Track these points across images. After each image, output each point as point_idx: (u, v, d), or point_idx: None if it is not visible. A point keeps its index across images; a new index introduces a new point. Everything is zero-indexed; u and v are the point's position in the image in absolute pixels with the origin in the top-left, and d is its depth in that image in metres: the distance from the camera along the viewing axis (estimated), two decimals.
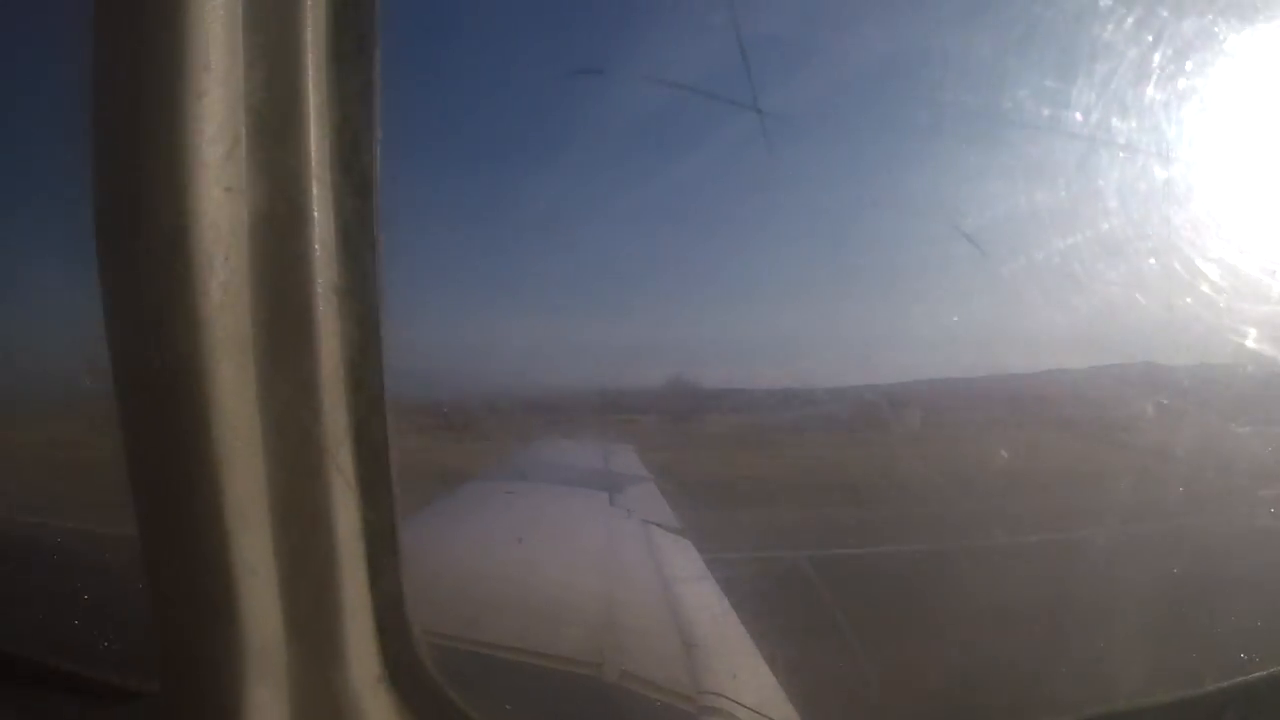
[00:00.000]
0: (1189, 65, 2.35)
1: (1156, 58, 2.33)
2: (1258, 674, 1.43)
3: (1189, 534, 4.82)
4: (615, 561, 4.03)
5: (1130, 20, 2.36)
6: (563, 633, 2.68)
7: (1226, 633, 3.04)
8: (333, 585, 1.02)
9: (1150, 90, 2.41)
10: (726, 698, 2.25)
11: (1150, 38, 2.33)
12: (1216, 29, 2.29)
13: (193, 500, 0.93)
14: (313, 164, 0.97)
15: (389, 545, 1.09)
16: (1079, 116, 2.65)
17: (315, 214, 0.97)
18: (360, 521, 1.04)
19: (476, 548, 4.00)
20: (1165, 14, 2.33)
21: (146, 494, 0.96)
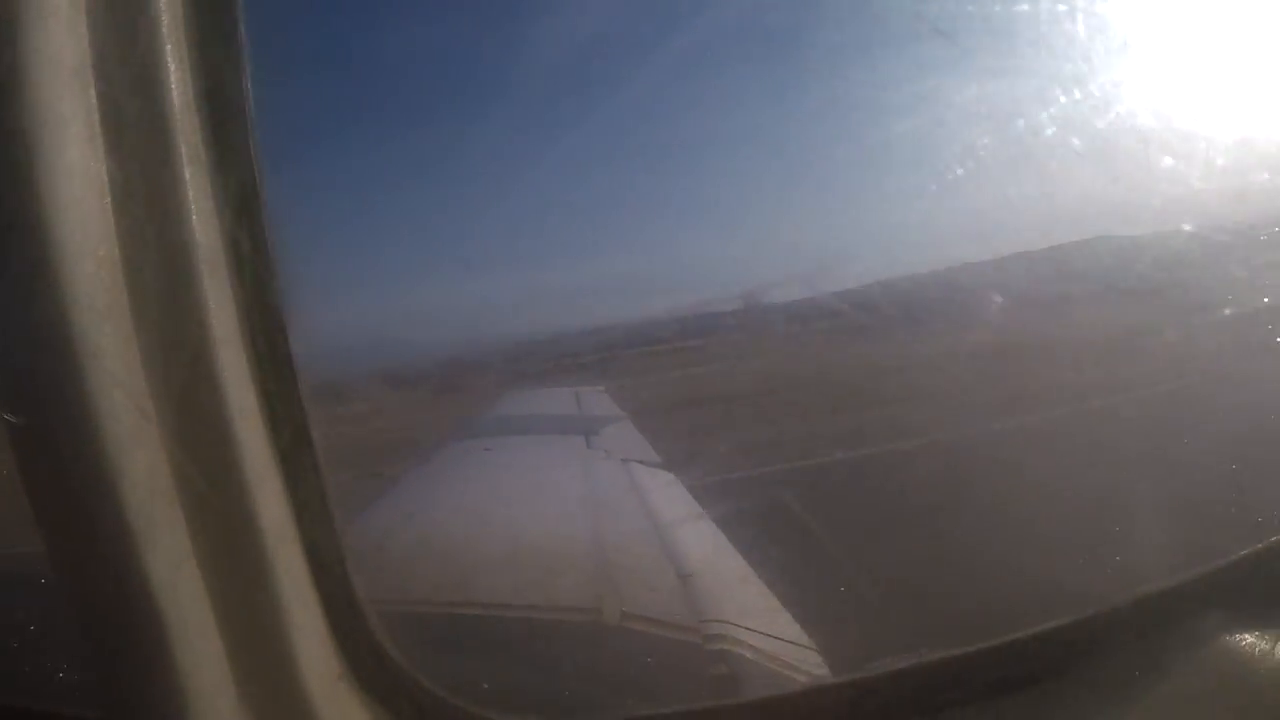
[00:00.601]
0: None
1: None
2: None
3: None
4: (600, 503, 4.01)
5: None
6: (556, 582, 2.66)
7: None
8: (266, 580, 0.92)
9: None
10: (730, 623, 2.25)
11: None
12: None
13: (86, 510, 0.83)
14: (182, 154, 0.86)
15: (323, 522, 0.99)
16: None
17: (194, 217, 0.87)
18: (288, 502, 0.94)
19: (459, 509, 3.96)
20: None
21: (41, 503, 0.85)
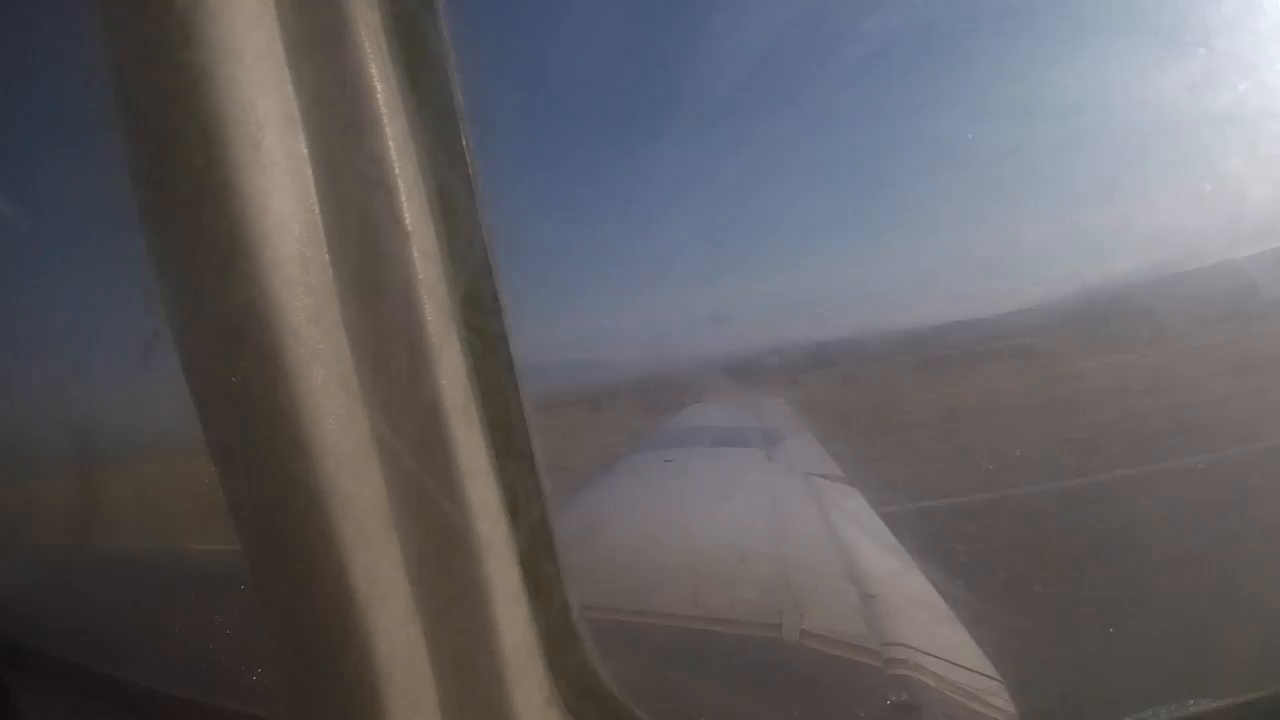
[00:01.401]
0: None
1: None
2: None
3: None
4: (782, 517, 3.98)
5: None
6: (737, 596, 2.67)
7: None
8: (478, 594, 0.89)
9: None
10: (911, 647, 2.19)
11: None
12: None
13: (303, 553, 0.82)
14: (391, 149, 0.86)
15: (541, 537, 0.97)
16: None
17: (404, 201, 0.86)
18: (517, 563, 0.94)
19: (641, 519, 4.05)
20: None
21: (256, 548, 0.86)
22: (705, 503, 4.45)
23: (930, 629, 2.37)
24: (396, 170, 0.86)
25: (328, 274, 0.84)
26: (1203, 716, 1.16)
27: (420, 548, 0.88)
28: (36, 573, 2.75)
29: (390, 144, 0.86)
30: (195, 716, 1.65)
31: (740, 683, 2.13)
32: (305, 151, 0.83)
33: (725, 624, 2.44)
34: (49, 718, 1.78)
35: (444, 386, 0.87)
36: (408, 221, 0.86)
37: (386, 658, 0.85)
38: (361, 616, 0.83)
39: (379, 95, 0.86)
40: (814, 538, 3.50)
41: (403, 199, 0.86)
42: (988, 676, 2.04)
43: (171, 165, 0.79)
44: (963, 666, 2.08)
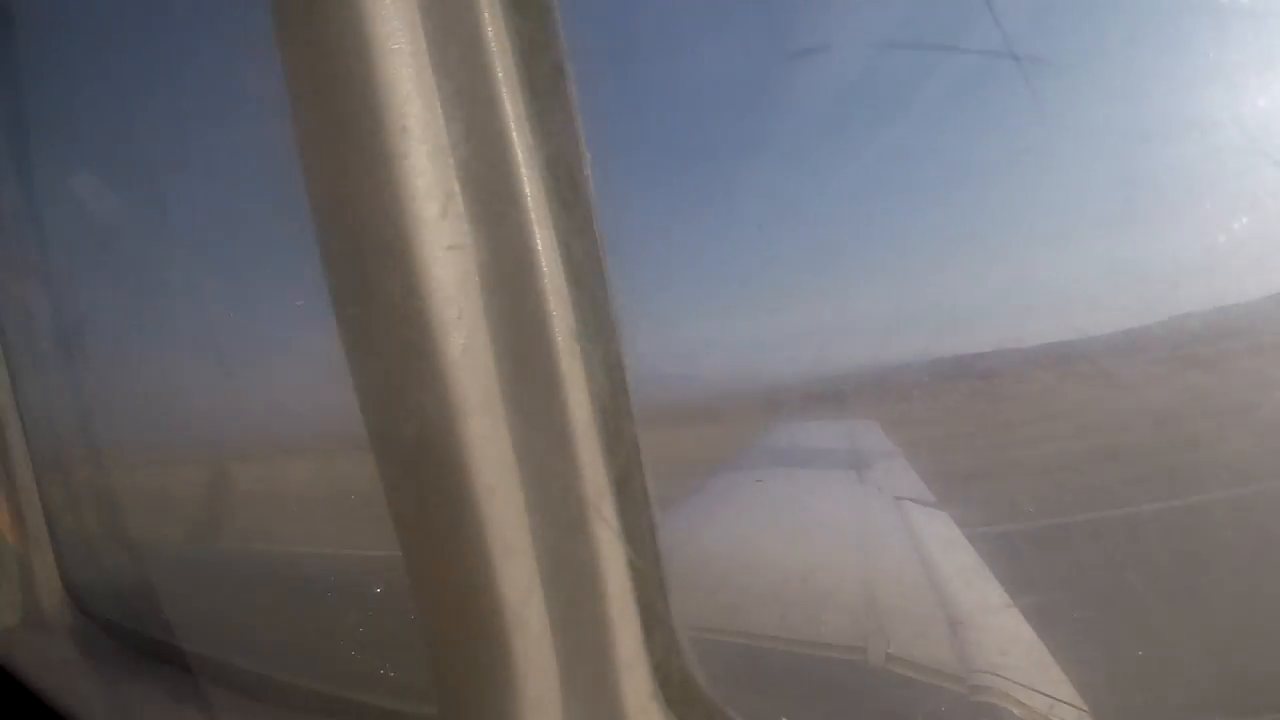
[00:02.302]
0: None
1: None
2: None
3: None
4: (871, 540, 3.97)
5: None
6: (823, 618, 2.70)
7: None
8: (605, 638, 1.01)
9: None
10: (999, 675, 2.18)
11: None
12: None
13: (460, 559, 0.94)
14: (530, 209, 0.95)
15: (659, 591, 1.08)
16: None
17: (542, 259, 0.96)
18: (628, 570, 1.03)
19: (732, 538, 4.10)
20: None
21: (414, 554, 0.98)
22: (795, 524, 4.46)
23: (1018, 658, 2.35)
24: (524, 177, 0.95)
25: (472, 278, 0.94)
26: None
27: (551, 557, 0.99)
28: (176, 570, 2.94)
29: (528, 200, 0.96)
30: (336, 708, 1.77)
31: (824, 705, 2.16)
32: (460, 214, 0.94)
33: (811, 645, 2.47)
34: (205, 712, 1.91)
35: (571, 407, 0.98)
36: (537, 239, 0.96)
37: (523, 652, 0.96)
38: (506, 617, 0.95)
39: (506, 104, 0.95)
40: (902, 562, 3.48)
41: (531, 215, 0.96)
42: (1075, 707, 2.03)
43: (351, 244, 0.91)
44: (1050, 697, 2.07)
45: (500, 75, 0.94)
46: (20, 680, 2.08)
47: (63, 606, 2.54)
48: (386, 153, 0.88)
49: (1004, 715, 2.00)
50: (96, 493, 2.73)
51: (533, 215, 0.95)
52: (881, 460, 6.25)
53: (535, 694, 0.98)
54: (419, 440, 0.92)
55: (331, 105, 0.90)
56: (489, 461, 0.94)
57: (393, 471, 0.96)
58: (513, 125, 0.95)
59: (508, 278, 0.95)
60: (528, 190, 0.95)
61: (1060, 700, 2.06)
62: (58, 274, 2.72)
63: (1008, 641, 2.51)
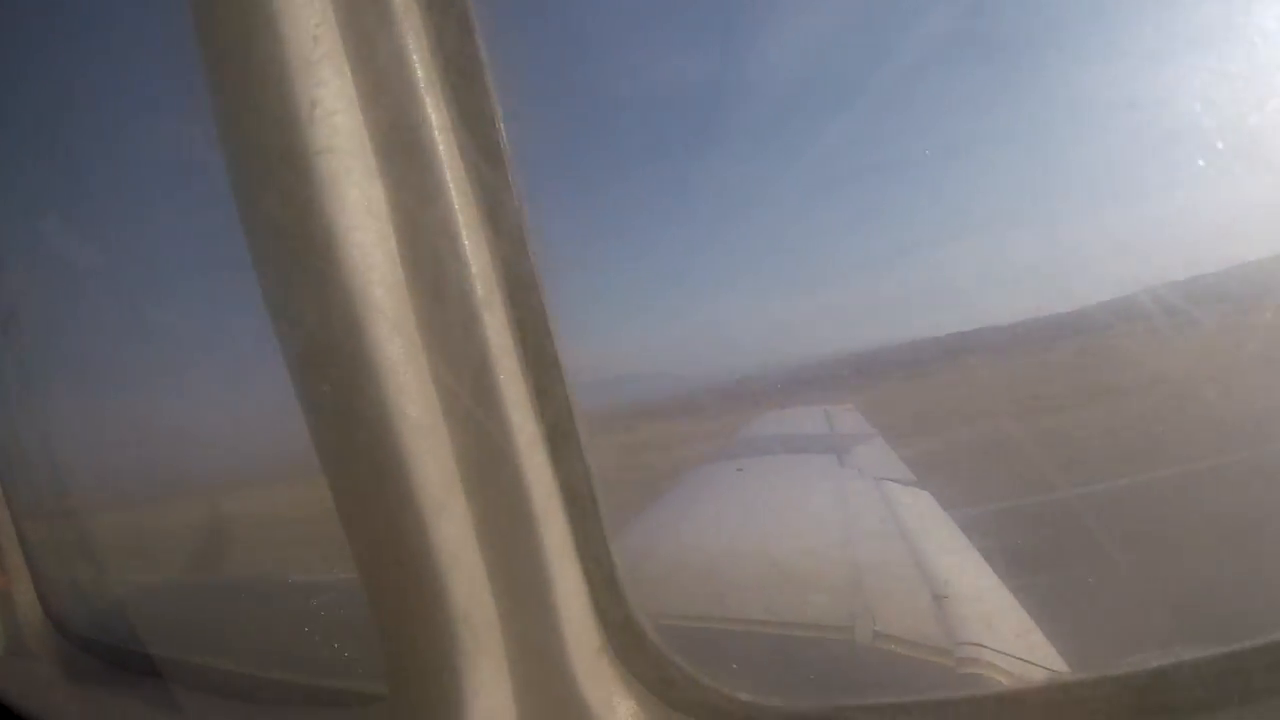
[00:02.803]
0: None
1: None
2: None
3: None
4: (854, 522, 3.99)
5: None
6: (810, 600, 2.71)
7: None
8: (540, 561, 1.03)
9: None
10: (985, 646, 2.20)
11: None
12: None
13: (385, 492, 0.97)
14: (461, 225, 1.00)
15: (590, 510, 1.09)
16: None
17: (473, 268, 1.00)
18: (559, 493, 1.06)
19: (715, 527, 4.11)
20: None
21: (343, 493, 1.00)
22: (777, 509, 4.48)
23: (1002, 629, 2.38)
24: (449, 179, 1.00)
25: (401, 282, 0.99)
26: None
27: (488, 520, 1.02)
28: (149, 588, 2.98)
29: (445, 167, 1.00)
30: (298, 695, 1.81)
31: (816, 684, 2.17)
32: (378, 174, 0.98)
33: (798, 628, 2.48)
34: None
35: (502, 380, 1.01)
36: (464, 236, 1.01)
37: (460, 606, 1.00)
38: (439, 570, 0.98)
39: (434, 125, 0.99)
40: (885, 541, 3.51)
41: (455, 204, 1.00)
42: (1060, 673, 2.05)
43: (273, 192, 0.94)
44: (1035, 664, 2.09)
45: (428, 103, 0.99)
46: (8, 706, 2.11)
47: (43, 631, 2.59)
48: (311, 159, 0.93)
49: (991, 684, 2.02)
50: (70, 521, 2.80)
51: (462, 225, 1.00)
52: (860, 443, 6.29)
53: (474, 632, 1.01)
54: (366, 457, 0.96)
55: (257, 79, 0.94)
56: (410, 391, 0.97)
57: (342, 489, 1.00)
58: (439, 138, 1.00)
59: (442, 291, 0.99)
60: (456, 203, 0.99)
61: (1044, 666, 2.08)
62: (22, 312, 2.75)
63: (992, 613, 2.54)
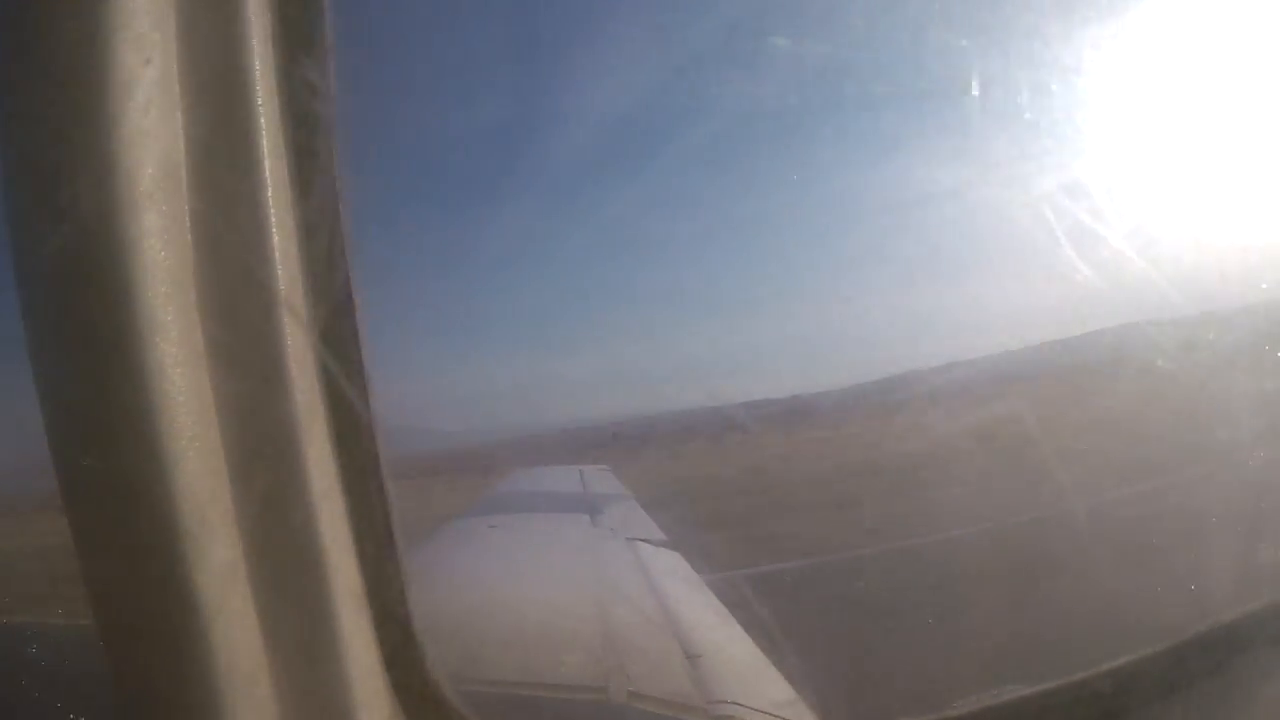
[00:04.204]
0: None
1: None
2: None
3: None
4: (607, 581, 3.98)
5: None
6: (562, 660, 2.64)
7: None
8: (326, 610, 0.90)
9: None
10: (738, 704, 2.22)
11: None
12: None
13: (138, 509, 0.80)
14: (278, 271, 0.89)
15: (391, 563, 0.99)
16: None
17: (279, 270, 0.89)
18: (352, 540, 0.94)
19: (465, 586, 3.93)
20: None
21: (81, 507, 0.83)
22: (529, 568, 4.39)
23: (754, 685, 2.43)
24: (269, 191, 0.88)
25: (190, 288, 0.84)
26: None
27: (263, 547, 0.87)
28: None
29: (267, 174, 0.88)
30: None
31: None
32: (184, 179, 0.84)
33: (551, 689, 2.39)
34: None
35: (298, 402, 0.88)
36: (275, 244, 0.88)
37: (227, 656, 0.82)
38: (202, 608, 0.81)
39: (263, 137, 0.88)
40: (638, 600, 3.52)
41: (272, 222, 0.88)
42: None
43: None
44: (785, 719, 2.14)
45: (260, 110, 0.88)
46: None
47: None
48: (121, 221, 0.79)
49: None
50: None
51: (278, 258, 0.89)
52: (614, 504, 6.36)
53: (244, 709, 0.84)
54: (116, 461, 0.79)
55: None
56: (200, 490, 0.82)
57: (79, 503, 0.82)
58: (260, 109, 0.88)
59: (246, 343, 0.88)
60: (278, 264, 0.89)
61: None
62: None
63: (744, 670, 2.59)
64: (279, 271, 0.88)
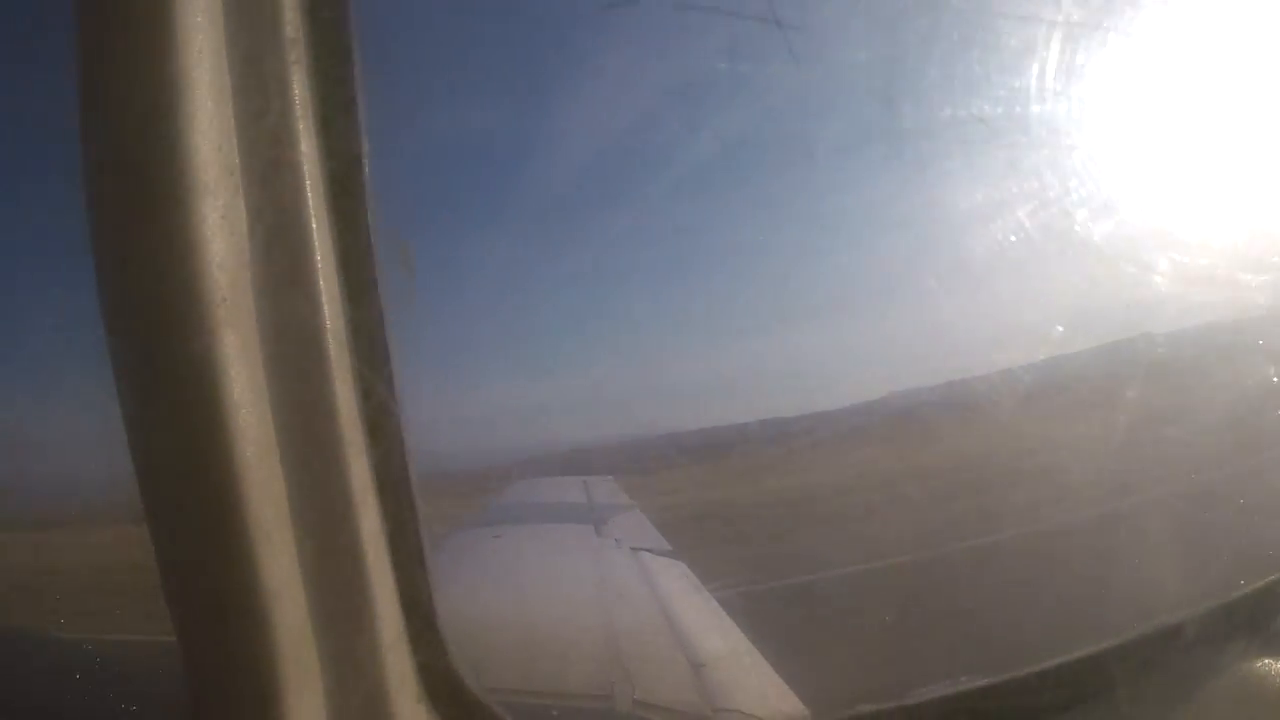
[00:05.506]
0: None
1: None
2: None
3: None
4: (612, 591, 3.99)
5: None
6: (568, 669, 2.64)
7: None
8: (363, 607, 1.00)
9: None
10: (741, 712, 2.23)
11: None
12: None
13: (212, 522, 0.91)
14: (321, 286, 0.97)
15: (419, 567, 1.08)
16: None
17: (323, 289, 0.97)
18: (388, 554, 1.03)
19: (470, 595, 3.94)
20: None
21: (163, 517, 0.93)
22: (534, 578, 4.40)
23: (757, 692, 2.43)
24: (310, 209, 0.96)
25: (250, 305, 0.92)
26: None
27: (314, 552, 0.97)
28: None
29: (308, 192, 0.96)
30: None
31: None
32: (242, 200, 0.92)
33: (557, 697, 2.40)
34: None
35: (343, 424, 0.98)
36: (319, 279, 0.97)
37: (282, 645, 0.93)
38: (262, 607, 0.92)
39: (301, 149, 0.96)
40: (643, 610, 3.53)
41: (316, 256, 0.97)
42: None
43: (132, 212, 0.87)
44: None
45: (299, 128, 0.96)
46: None
47: None
48: (182, 217, 0.86)
49: None
50: None
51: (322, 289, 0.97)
52: (618, 514, 6.37)
53: (292, 659, 0.95)
54: (177, 382, 0.89)
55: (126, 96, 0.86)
56: (245, 416, 0.91)
57: (164, 535, 0.93)
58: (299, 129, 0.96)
59: (290, 350, 0.96)
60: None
61: None
62: None
63: (748, 678, 2.60)
64: (325, 309, 0.97)
